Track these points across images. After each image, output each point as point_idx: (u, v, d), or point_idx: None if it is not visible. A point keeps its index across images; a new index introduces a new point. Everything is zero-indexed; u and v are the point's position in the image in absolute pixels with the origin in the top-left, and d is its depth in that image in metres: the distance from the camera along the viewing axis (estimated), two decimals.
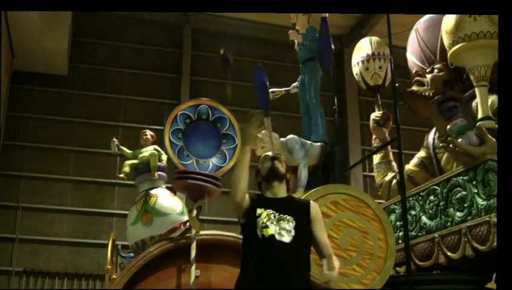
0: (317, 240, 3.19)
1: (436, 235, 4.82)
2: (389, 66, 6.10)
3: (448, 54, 5.29)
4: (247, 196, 3.19)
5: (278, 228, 3.06)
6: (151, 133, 5.59)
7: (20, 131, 11.53)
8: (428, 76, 5.76)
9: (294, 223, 3.11)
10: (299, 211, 3.21)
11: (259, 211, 3.13)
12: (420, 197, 5.17)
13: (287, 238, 3.05)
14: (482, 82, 5.02)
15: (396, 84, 5.13)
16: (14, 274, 10.66)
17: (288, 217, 3.12)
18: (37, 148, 11.57)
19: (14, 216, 11.04)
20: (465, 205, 4.56)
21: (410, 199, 5.24)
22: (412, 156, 6.41)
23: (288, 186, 3.37)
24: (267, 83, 3.77)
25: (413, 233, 5.09)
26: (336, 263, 3.10)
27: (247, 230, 3.18)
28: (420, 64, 6.11)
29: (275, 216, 3.11)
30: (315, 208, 3.29)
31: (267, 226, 3.06)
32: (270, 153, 3.45)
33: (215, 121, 4.84)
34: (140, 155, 5.37)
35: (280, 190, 3.28)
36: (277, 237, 3.03)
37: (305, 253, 3.13)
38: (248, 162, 3.17)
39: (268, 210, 3.13)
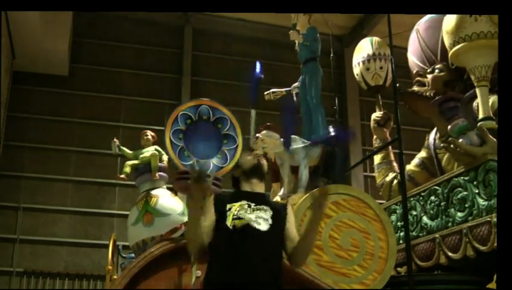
0: (289, 235, 3.03)
1: (437, 235, 4.82)
2: (390, 66, 6.10)
3: (449, 54, 5.29)
4: (206, 229, 2.94)
5: (254, 216, 2.90)
6: (152, 134, 5.58)
7: (20, 131, 11.54)
8: (429, 76, 5.76)
9: (271, 213, 2.96)
10: (275, 207, 3.07)
11: (228, 205, 2.97)
12: (421, 198, 5.17)
13: (264, 226, 2.89)
14: (483, 82, 5.02)
15: (397, 85, 5.12)
16: (15, 275, 10.67)
17: (265, 207, 2.98)
18: (37, 149, 11.57)
19: (14, 217, 11.05)
20: (466, 205, 4.56)
21: (411, 199, 5.24)
22: (412, 157, 6.41)
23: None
24: (261, 79, 3.82)
25: (414, 233, 5.09)
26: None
27: (217, 226, 2.96)
28: (421, 65, 6.12)
29: (249, 206, 2.96)
30: (290, 209, 3.17)
31: (239, 217, 2.89)
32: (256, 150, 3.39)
33: (216, 122, 4.85)
34: (141, 156, 5.37)
35: (259, 189, 3.14)
36: (253, 224, 2.86)
37: (279, 245, 2.98)
38: (200, 217, 2.89)
39: (242, 201, 2.98)
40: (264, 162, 3.21)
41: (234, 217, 2.90)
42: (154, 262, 4.29)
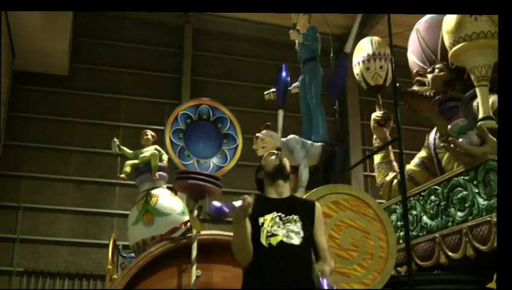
0: (316, 243, 3.07)
1: (437, 235, 4.81)
2: (390, 66, 6.10)
3: (449, 54, 5.29)
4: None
5: (285, 231, 2.93)
6: (152, 133, 5.59)
7: (20, 131, 11.55)
8: (429, 76, 5.76)
9: (301, 223, 2.99)
10: (304, 210, 3.09)
11: (261, 219, 2.98)
12: (421, 197, 5.17)
13: (296, 240, 2.93)
14: (483, 82, 5.01)
15: (397, 84, 5.12)
16: (15, 274, 10.68)
17: (294, 217, 3.00)
18: (37, 148, 11.58)
19: (14, 216, 11.05)
20: (466, 205, 4.56)
21: (411, 198, 5.24)
22: (412, 156, 6.41)
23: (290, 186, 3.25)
24: (288, 81, 4.02)
25: (414, 233, 5.09)
26: (331, 262, 3.06)
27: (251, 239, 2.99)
28: (421, 64, 6.11)
29: (280, 218, 2.98)
30: (319, 209, 3.19)
31: (273, 234, 2.92)
32: (274, 150, 3.40)
33: (215, 121, 4.85)
34: (141, 155, 5.38)
35: (285, 190, 3.16)
36: (285, 240, 2.91)
37: (311, 254, 3.03)
38: (246, 231, 2.92)
39: (272, 213, 2.99)
40: (287, 161, 3.22)
41: (268, 233, 2.93)
42: (154, 262, 4.29)
